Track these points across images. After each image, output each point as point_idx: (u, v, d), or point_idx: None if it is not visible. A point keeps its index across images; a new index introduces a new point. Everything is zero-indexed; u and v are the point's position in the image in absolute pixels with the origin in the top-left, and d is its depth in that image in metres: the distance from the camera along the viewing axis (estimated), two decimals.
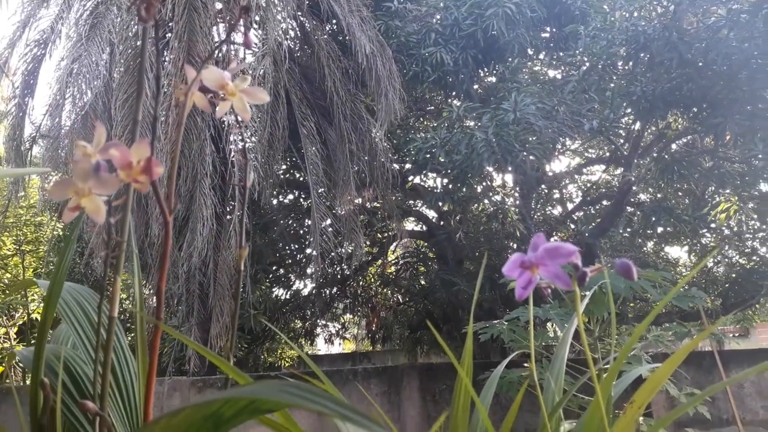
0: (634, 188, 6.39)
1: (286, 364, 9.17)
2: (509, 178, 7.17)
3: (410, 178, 7.20)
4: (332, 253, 6.11)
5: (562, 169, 8.37)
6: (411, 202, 7.60)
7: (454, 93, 6.51)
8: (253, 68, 4.72)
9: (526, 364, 3.71)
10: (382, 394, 5.12)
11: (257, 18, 5.11)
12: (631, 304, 6.83)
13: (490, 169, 6.17)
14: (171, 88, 4.16)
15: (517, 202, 6.90)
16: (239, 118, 0.85)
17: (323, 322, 9.36)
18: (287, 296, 8.10)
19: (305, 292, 8.17)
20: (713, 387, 0.91)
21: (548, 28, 6.48)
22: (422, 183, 7.44)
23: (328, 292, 8.21)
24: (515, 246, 6.41)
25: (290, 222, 7.49)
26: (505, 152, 4.80)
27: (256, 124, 4.89)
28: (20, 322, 7.74)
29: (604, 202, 7.51)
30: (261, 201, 5.45)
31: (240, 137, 4.82)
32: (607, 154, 7.75)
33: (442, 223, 7.45)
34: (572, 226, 7.58)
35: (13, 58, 5.30)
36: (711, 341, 4.26)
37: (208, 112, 0.84)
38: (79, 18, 5.15)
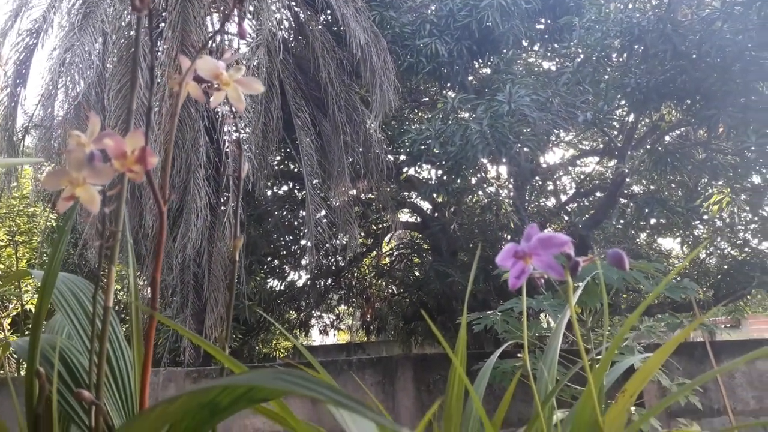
0: (627, 180, 6.41)
1: (281, 355, 9.19)
2: (503, 170, 7.18)
3: (405, 170, 7.20)
4: (327, 245, 6.10)
5: (556, 160, 8.39)
6: (405, 193, 7.61)
7: (448, 84, 6.50)
8: (248, 59, 4.70)
9: (519, 355, 3.74)
10: (376, 384, 5.15)
11: (251, 8, 5.08)
12: (624, 295, 6.87)
13: (485, 160, 6.18)
14: (165, 78, 4.14)
15: (511, 193, 6.91)
16: (233, 109, 0.85)
17: (318, 313, 9.37)
18: (282, 287, 8.09)
19: (300, 283, 8.17)
20: (704, 375, 0.93)
21: (543, 20, 6.47)
22: (417, 174, 7.44)
23: (322, 283, 8.21)
24: (509, 237, 6.43)
25: (285, 213, 7.48)
26: (499, 144, 4.80)
27: (250, 114, 4.88)
28: (14, 313, 7.72)
29: (598, 194, 7.53)
30: (255, 192, 5.44)
31: (234, 128, 4.81)
32: (601, 145, 7.76)
33: (436, 214, 7.46)
34: (566, 218, 7.60)
35: (4, 47, 5.26)
36: (702, 332, 4.31)
37: (202, 102, 0.84)
38: (72, 7, 5.11)
